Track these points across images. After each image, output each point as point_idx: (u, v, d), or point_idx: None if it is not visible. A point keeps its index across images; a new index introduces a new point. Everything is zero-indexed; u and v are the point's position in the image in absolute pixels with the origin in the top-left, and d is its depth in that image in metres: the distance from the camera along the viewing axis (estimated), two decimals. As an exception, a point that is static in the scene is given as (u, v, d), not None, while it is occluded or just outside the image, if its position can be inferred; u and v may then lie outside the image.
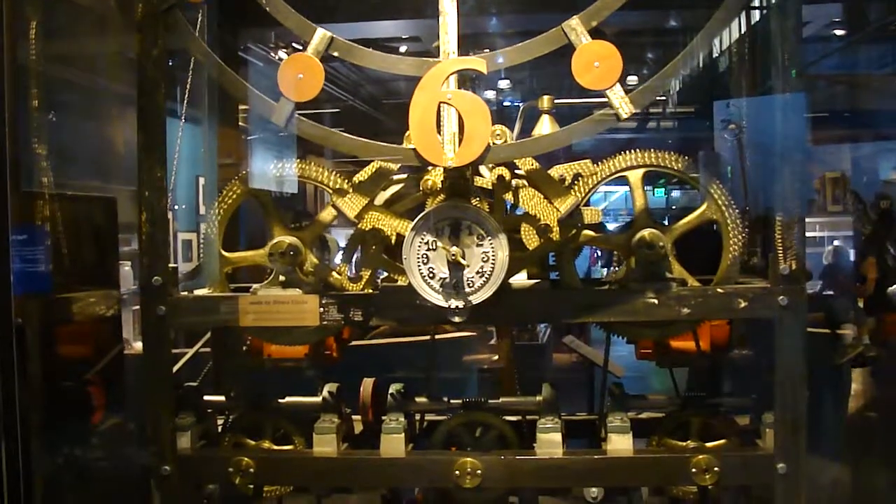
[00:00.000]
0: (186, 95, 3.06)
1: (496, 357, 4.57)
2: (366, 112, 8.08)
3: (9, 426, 2.89)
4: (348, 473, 2.78)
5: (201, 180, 3.20)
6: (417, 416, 3.07)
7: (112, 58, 3.71)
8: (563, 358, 7.05)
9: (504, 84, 7.41)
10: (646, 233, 2.63)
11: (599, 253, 6.92)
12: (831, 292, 5.88)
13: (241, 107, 3.47)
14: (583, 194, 2.66)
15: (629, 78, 2.40)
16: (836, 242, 7.33)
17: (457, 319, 2.53)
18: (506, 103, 7.22)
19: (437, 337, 4.94)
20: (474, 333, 6.53)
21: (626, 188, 2.74)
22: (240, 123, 3.75)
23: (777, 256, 2.57)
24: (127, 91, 2.82)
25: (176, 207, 3.64)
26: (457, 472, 2.65)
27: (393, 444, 2.75)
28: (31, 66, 3.07)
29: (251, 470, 2.74)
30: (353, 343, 3.16)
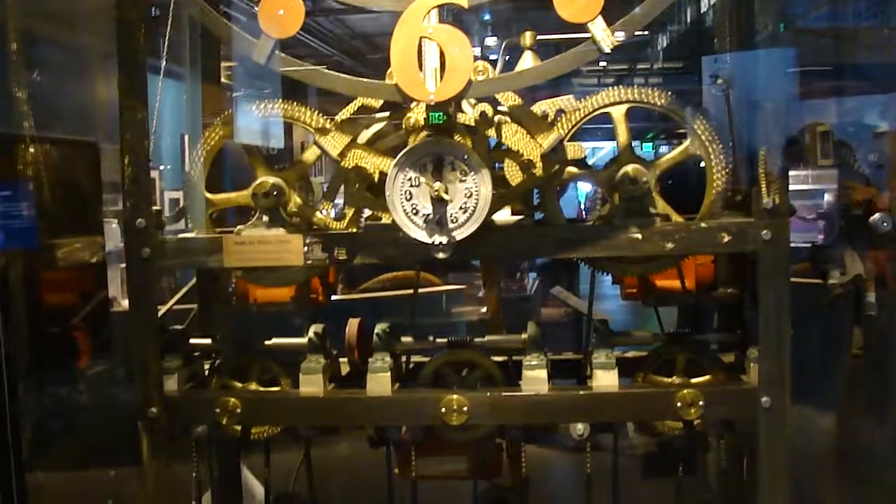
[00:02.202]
0: (166, 44, 3.04)
1: (484, 309, 4.58)
2: (351, 67, 8.06)
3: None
4: (335, 413, 2.80)
5: (186, 138, 3.19)
6: (403, 359, 3.08)
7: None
8: (552, 312, 7.07)
9: (491, 41, 7.38)
10: (629, 168, 2.63)
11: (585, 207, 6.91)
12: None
13: (225, 64, 3.45)
14: (566, 130, 2.65)
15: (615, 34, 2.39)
16: (826, 196, 7.30)
17: (441, 255, 2.53)
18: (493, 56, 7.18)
19: (425, 290, 4.96)
20: (462, 286, 6.55)
21: (614, 144, 2.74)
22: (223, 80, 3.73)
23: (760, 190, 2.57)
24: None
25: (162, 168, 3.62)
26: (443, 410, 2.66)
27: (379, 382, 2.76)
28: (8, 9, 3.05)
29: (238, 411, 2.74)
30: (341, 297, 3.16)
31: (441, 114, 2.52)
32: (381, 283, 6.12)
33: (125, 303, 2.85)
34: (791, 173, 3.25)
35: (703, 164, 2.72)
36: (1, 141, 2.99)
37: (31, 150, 3.08)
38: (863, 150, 6.00)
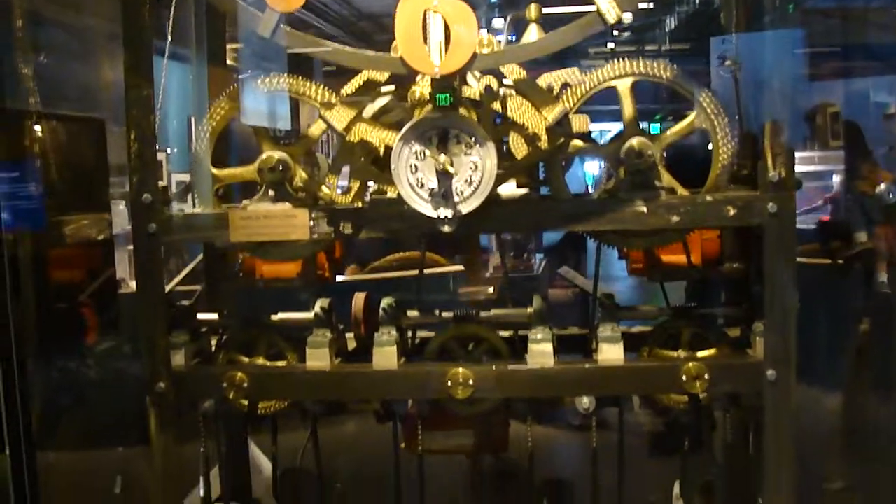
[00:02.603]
0: (171, 24, 3.04)
1: (490, 290, 4.59)
2: (358, 49, 8.03)
3: (4, 346, 2.91)
4: (341, 386, 2.81)
5: (192, 120, 3.20)
6: (409, 334, 3.09)
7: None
8: (559, 293, 7.08)
9: (499, 23, 7.36)
10: (634, 141, 2.63)
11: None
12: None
13: (231, 46, 3.45)
14: (571, 103, 2.65)
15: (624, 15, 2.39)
16: (835, 177, 7.28)
17: (446, 229, 2.53)
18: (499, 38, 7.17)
19: (431, 270, 4.97)
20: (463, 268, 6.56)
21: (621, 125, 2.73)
22: (229, 62, 3.73)
23: (766, 163, 2.56)
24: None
25: (169, 151, 3.63)
26: (449, 383, 2.67)
27: (385, 356, 2.77)
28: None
29: (245, 385, 2.75)
30: (348, 278, 3.17)
31: (447, 95, 2.52)
32: (387, 263, 6.14)
33: (133, 284, 2.87)
34: (801, 154, 3.25)
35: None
36: (8, 119, 2.98)
37: (38, 127, 3.09)
38: (872, 130, 5.98)
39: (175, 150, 4.59)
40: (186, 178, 2.95)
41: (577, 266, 6.66)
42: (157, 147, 2.77)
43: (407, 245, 5.25)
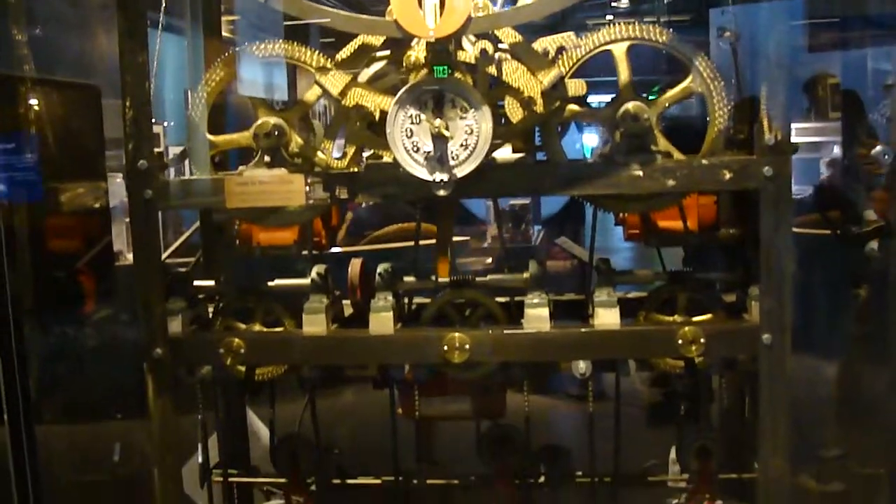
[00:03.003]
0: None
1: (489, 260, 4.57)
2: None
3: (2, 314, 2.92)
4: (337, 352, 2.81)
5: (189, 93, 3.19)
6: (406, 300, 3.09)
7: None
8: (557, 264, 7.09)
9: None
10: (630, 105, 2.62)
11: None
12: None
13: (226, 18, 3.44)
14: (567, 67, 2.64)
15: None
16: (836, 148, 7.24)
17: (441, 193, 2.53)
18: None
19: (429, 241, 4.97)
20: (467, 238, 6.56)
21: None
22: (224, 34, 3.72)
23: (762, 127, 2.56)
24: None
25: (166, 124, 3.63)
26: (445, 348, 2.67)
27: (381, 322, 2.77)
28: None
29: (242, 351, 2.76)
30: (346, 249, 3.16)
31: (445, 67, 2.51)
32: (385, 235, 6.15)
33: (131, 256, 2.87)
34: (799, 125, 3.24)
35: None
36: (2, 86, 2.98)
37: (33, 94, 3.08)
38: (872, 102, 5.96)
39: (172, 123, 4.59)
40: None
41: (575, 237, 6.66)
42: (154, 120, 2.76)
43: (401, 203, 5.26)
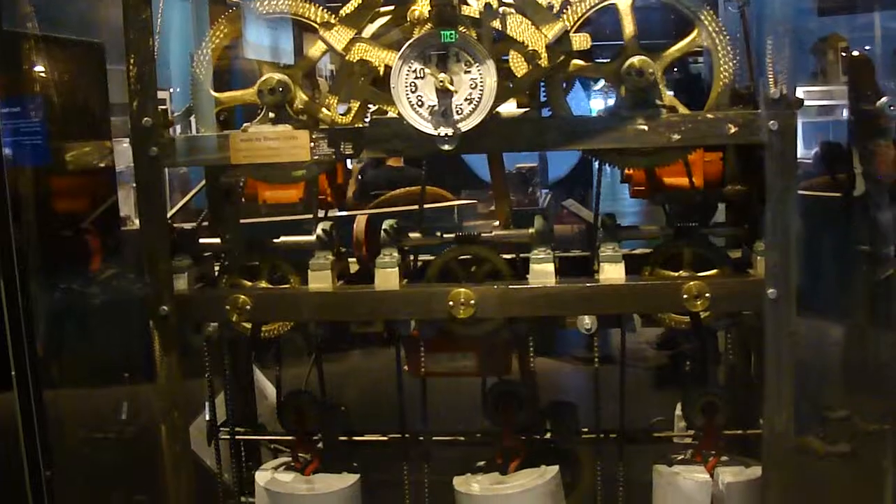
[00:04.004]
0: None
1: (496, 223, 4.57)
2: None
3: (7, 270, 2.93)
4: (343, 308, 2.82)
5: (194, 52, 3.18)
6: (412, 258, 3.10)
7: None
8: (564, 228, 7.09)
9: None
10: (635, 60, 2.61)
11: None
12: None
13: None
14: (571, 21, 2.63)
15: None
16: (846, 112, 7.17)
17: (446, 147, 2.53)
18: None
19: (437, 205, 4.97)
20: (474, 201, 6.56)
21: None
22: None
23: (768, 81, 2.55)
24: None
25: (171, 90, 3.61)
26: (451, 303, 2.68)
27: (387, 277, 2.78)
28: None
29: (248, 307, 2.77)
30: (352, 213, 3.16)
31: (452, 31, 2.50)
32: (392, 199, 6.14)
33: (138, 222, 2.87)
34: (809, 88, 3.22)
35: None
36: (6, 43, 2.97)
37: (39, 52, 3.08)
38: (883, 66, 5.90)
39: (178, 89, 4.57)
40: (190, 118, 2.94)
41: (582, 202, 6.66)
42: (160, 86, 2.76)
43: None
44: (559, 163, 7.83)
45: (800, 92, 2.87)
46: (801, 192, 2.61)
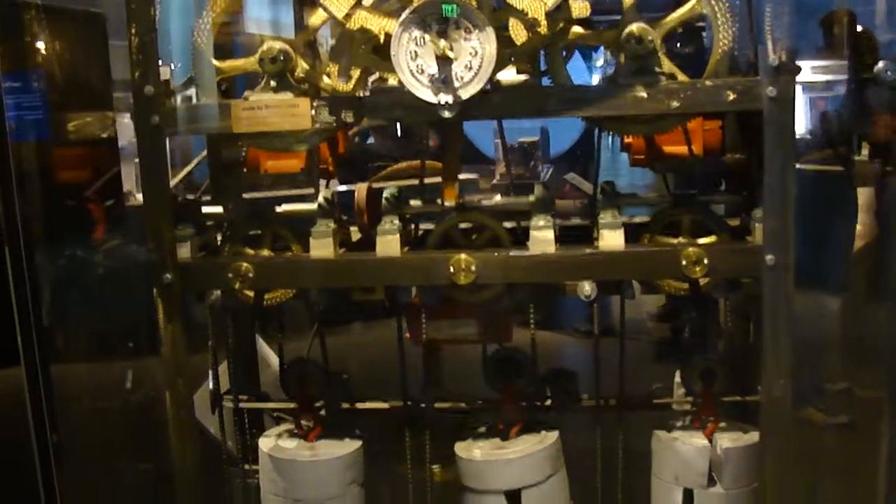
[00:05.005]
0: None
1: (497, 198, 4.58)
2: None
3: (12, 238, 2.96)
4: (344, 274, 2.84)
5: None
6: (413, 227, 3.12)
7: None
8: (566, 204, 7.11)
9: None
10: (634, 27, 2.62)
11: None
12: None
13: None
14: (571, -12, 2.64)
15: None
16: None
17: (446, 114, 2.55)
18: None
19: (434, 180, 4.99)
20: (475, 176, 6.58)
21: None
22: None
23: (766, 48, 2.56)
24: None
25: (173, 66, 3.63)
26: (451, 270, 2.70)
27: (388, 244, 2.80)
28: None
29: (250, 275, 2.79)
30: (353, 187, 3.17)
31: (454, 6, 2.51)
32: (393, 172, 6.16)
33: (140, 197, 2.89)
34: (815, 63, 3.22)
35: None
36: (8, 16, 2.99)
37: (38, 22, 3.09)
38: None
39: (179, 64, 4.58)
40: (191, 92, 2.95)
41: (584, 176, 6.67)
42: (161, 61, 2.77)
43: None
44: (561, 138, 7.83)
45: (807, 67, 2.87)
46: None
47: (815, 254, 3.54)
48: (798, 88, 2.57)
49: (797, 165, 2.59)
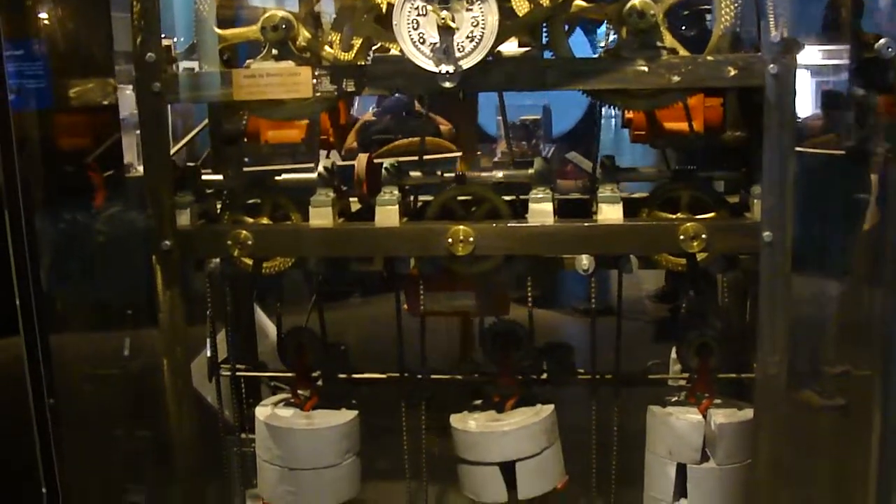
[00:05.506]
0: None
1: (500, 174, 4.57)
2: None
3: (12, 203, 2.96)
4: (343, 244, 2.85)
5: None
6: (412, 198, 3.13)
7: None
8: (568, 184, 7.10)
9: None
10: (636, 1, 2.62)
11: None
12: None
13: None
14: (574, -39, 2.64)
15: None
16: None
17: (447, 84, 2.55)
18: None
19: (441, 156, 4.99)
20: (479, 153, 6.55)
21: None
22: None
23: (768, 24, 2.56)
24: None
25: (176, 39, 3.63)
26: (450, 240, 2.71)
27: (387, 215, 2.81)
28: None
29: (249, 243, 2.80)
30: (353, 163, 3.17)
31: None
32: (394, 149, 6.14)
33: (141, 168, 2.90)
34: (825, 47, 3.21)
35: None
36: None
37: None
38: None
39: (182, 38, 4.57)
40: (194, 64, 2.95)
41: (586, 156, 6.66)
42: (164, 35, 2.78)
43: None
44: (563, 118, 7.81)
45: (814, 50, 2.87)
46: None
47: (824, 236, 3.54)
48: (807, 73, 2.57)
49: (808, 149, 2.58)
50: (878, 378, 3.24)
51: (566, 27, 2.75)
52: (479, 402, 3.14)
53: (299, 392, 3.18)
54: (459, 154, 5.95)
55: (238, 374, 3.37)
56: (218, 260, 2.97)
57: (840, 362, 4.76)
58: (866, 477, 3.28)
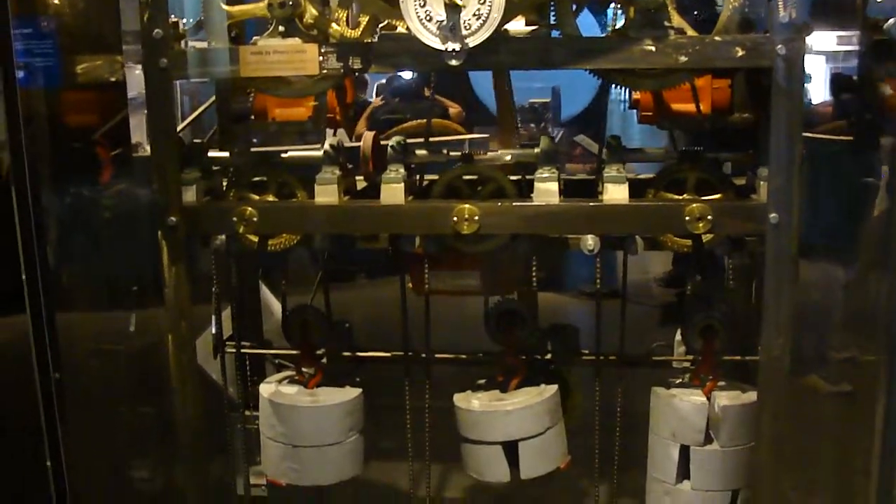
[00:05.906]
0: None
1: (508, 158, 4.57)
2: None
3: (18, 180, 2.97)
4: (349, 221, 2.85)
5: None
6: (418, 177, 3.13)
7: None
8: (576, 167, 7.09)
9: None
10: (645, -20, 2.61)
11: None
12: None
13: None
14: (582, -61, 2.64)
15: None
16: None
17: (453, 62, 2.54)
18: None
19: (449, 139, 4.98)
20: (486, 136, 6.54)
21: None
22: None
23: (777, 4, 2.54)
24: None
25: (185, 20, 3.64)
26: (455, 219, 2.71)
27: (393, 193, 2.80)
28: None
29: (255, 219, 2.80)
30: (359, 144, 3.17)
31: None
32: (403, 131, 6.13)
33: (149, 148, 2.90)
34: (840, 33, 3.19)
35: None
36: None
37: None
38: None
39: (190, 20, 4.57)
40: (203, 44, 2.95)
41: (595, 139, 6.64)
42: (172, 15, 2.78)
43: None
44: (572, 101, 7.80)
45: (832, 37, 2.84)
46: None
47: (832, 221, 3.54)
48: (816, 58, 2.56)
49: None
50: (884, 364, 3.22)
51: (573, 6, 2.74)
52: (482, 381, 3.14)
53: (303, 369, 3.18)
54: (468, 137, 5.97)
55: (243, 351, 3.37)
56: (224, 237, 2.97)
57: (846, 348, 4.76)
58: (870, 462, 3.28)
